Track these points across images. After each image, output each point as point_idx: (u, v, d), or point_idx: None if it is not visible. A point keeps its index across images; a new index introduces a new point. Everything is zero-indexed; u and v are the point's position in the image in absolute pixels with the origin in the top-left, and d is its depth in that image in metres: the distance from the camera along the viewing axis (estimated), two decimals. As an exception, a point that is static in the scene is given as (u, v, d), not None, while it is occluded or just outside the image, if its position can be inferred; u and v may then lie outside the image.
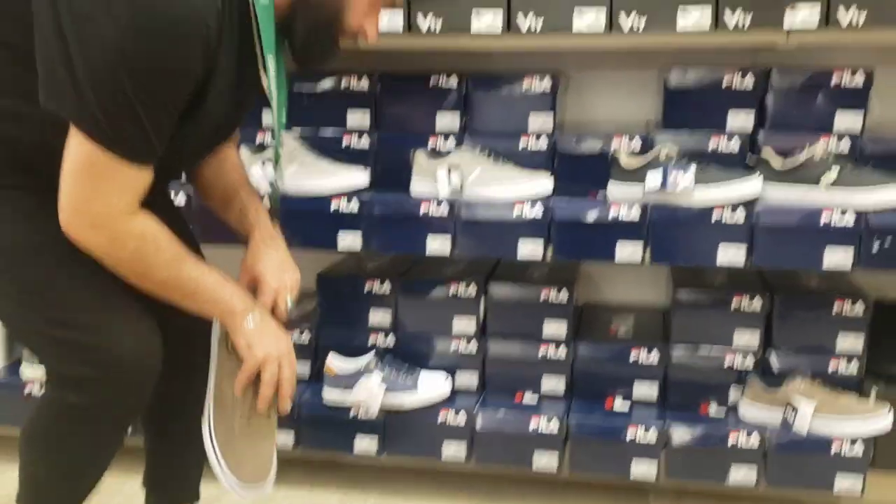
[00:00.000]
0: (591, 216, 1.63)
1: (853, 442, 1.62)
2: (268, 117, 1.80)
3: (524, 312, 1.78)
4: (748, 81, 1.66)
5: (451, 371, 1.81)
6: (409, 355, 1.81)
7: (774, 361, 1.71)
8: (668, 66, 1.75)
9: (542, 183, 1.69)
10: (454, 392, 1.80)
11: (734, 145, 1.66)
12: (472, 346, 1.79)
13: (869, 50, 1.75)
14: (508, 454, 1.75)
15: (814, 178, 1.58)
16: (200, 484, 1.49)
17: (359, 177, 1.73)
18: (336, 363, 1.76)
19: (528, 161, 1.73)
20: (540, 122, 1.72)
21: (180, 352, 1.28)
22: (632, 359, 1.75)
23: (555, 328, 1.77)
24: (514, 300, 1.79)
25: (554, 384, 1.80)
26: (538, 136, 1.72)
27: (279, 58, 1.21)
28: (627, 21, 1.55)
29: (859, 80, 1.63)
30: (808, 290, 1.77)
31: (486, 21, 1.59)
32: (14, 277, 1.15)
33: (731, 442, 1.66)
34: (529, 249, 1.67)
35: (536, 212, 1.65)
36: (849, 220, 1.55)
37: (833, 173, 1.57)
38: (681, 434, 1.67)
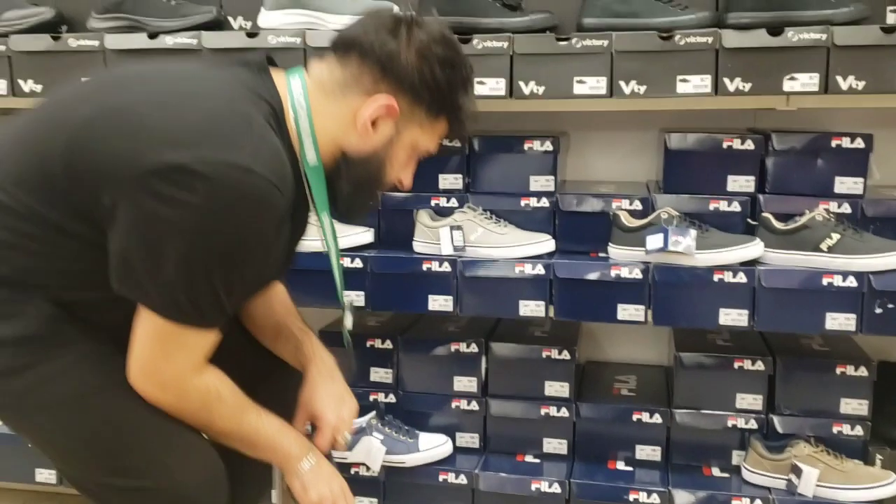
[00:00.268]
0: (593, 276, 1.64)
1: (859, 508, 1.60)
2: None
3: (526, 371, 1.78)
4: (748, 145, 1.68)
5: (452, 430, 1.81)
6: (409, 413, 1.80)
7: (777, 424, 1.69)
8: (668, 127, 1.78)
9: (544, 243, 1.70)
10: (455, 451, 1.79)
11: (735, 207, 1.67)
12: (474, 405, 1.79)
13: (868, 114, 1.78)
14: (510, 516, 1.73)
15: (814, 242, 1.58)
16: None
17: (363, 235, 1.75)
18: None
19: (530, 221, 1.74)
20: (541, 182, 1.74)
21: (242, 488, 1.28)
22: (634, 420, 1.74)
23: (557, 388, 1.77)
24: (515, 359, 1.78)
25: (556, 445, 1.79)
26: (539, 197, 1.74)
27: (330, 216, 1.26)
28: (628, 87, 1.58)
29: (859, 143, 1.65)
30: (811, 352, 1.77)
31: (490, 86, 1.62)
32: (76, 432, 1.13)
33: (734, 506, 1.65)
34: (531, 309, 1.68)
35: (538, 271, 1.66)
36: (851, 284, 1.56)
37: (834, 238, 1.58)
38: (684, 497, 1.65)
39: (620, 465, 1.75)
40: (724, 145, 1.68)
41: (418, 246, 1.75)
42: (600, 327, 2.04)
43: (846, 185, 1.66)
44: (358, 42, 1.16)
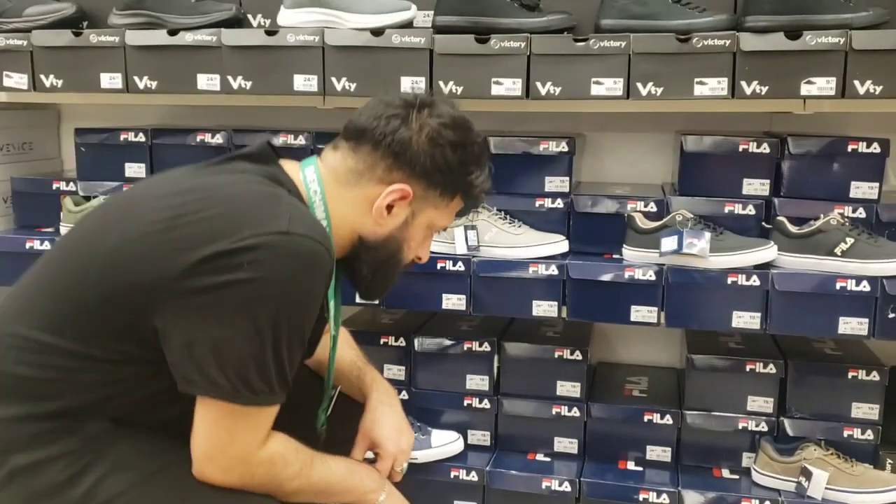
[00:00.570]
0: (606, 277, 1.65)
1: (868, 512, 1.61)
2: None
3: (538, 371, 1.79)
4: (764, 148, 1.68)
5: (464, 427, 1.82)
6: (422, 410, 1.82)
7: (788, 427, 1.70)
8: (684, 129, 1.78)
9: (558, 244, 1.71)
10: (466, 449, 1.81)
11: (749, 211, 1.67)
12: (486, 404, 1.80)
13: (885, 118, 1.77)
14: (520, 514, 1.75)
15: (829, 246, 1.59)
16: None
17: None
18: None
19: (544, 221, 1.75)
20: (556, 183, 1.75)
21: None
22: (645, 420, 1.75)
23: (568, 388, 1.78)
24: (527, 358, 1.80)
25: (567, 444, 1.80)
26: (554, 198, 1.74)
27: (337, 300, 1.28)
28: (644, 89, 1.59)
29: (875, 148, 1.65)
30: (823, 356, 1.77)
31: (506, 87, 1.62)
32: None
33: (744, 507, 1.65)
34: (544, 309, 1.69)
35: (552, 272, 1.67)
36: (864, 288, 1.56)
37: (848, 242, 1.58)
38: (693, 498, 1.66)
39: (631, 465, 1.77)
40: (740, 148, 1.68)
41: (433, 245, 1.75)
42: (613, 328, 2.04)
43: (861, 189, 1.66)
44: (369, 131, 1.17)
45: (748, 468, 1.72)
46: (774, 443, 1.69)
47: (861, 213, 1.65)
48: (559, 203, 1.75)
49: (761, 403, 1.71)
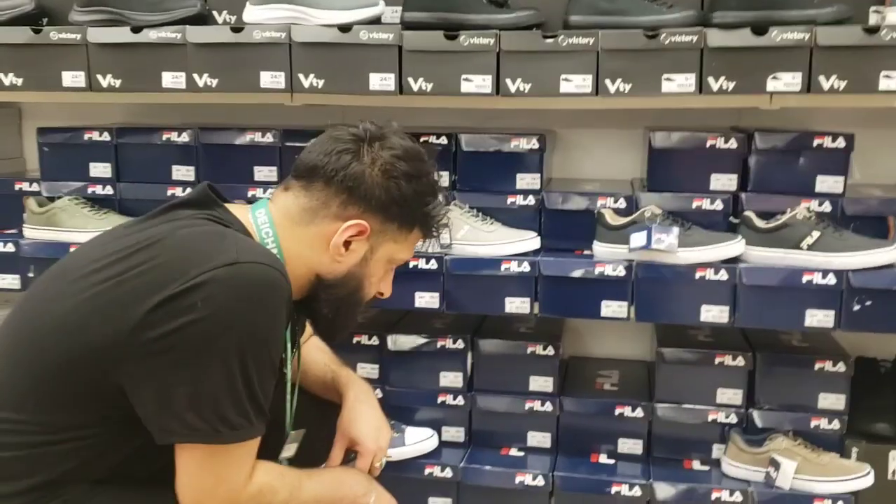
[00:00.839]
0: (577, 274, 1.66)
1: (835, 500, 1.63)
2: (260, 174, 1.84)
3: (511, 367, 1.80)
4: (731, 143, 1.69)
5: (438, 424, 1.82)
6: (396, 408, 1.81)
7: (757, 418, 1.73)
8: (654, 125, 1.79)
9: (530, 241, 1.72)
10: (441, 445, 1.81)
11: (717, 206, 1.69)
12: (459, 400, 1.81)
13: (850, 114, 1.80)
14: (494, 509, 1.76)
15: (795, 240, 1.61)
16: None
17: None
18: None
19: (516, 219, 1.75)
20: (527, 180, 1.75)
21: None
22: (617, 414, 1.77)
23: (541, 382, 1.79)
24: (500, 354, 1.80)
25: (540, 438, 1.81)
26: (525, 195, 1.75)
27: (296, 344, 1.27)
28: (613, 85, 1.59)
29: (840, 143, 1.67)
30: (791, 348, 1.80)
31: (476, 84, 1.62)
32: None
33: (714, 497, 1.67)
34: (517, 305, 1.70)
35: (524, 269, 1.67)
36: (830, 281, 1.58)
37: (814, 236, 1.60)
38: (665, 490, 1.68)
39: (603, 459, 1.78)
40: (708, 144, 1.69)
41: (404, 242, 1.75)
42: (584, 323, 2.06)
43: (827, 183, 1.69)
44: (321, 168, 1.15)
45: (718, 459, 1.75)
46: (744, 434, 1.72)
47: (827, 206, 1.67)
48: (531, 200, 1.75)
49: (730, 395, 1.74)
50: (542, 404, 1.78)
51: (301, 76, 1.66)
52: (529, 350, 1.78)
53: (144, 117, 2.07)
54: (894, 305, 1.58)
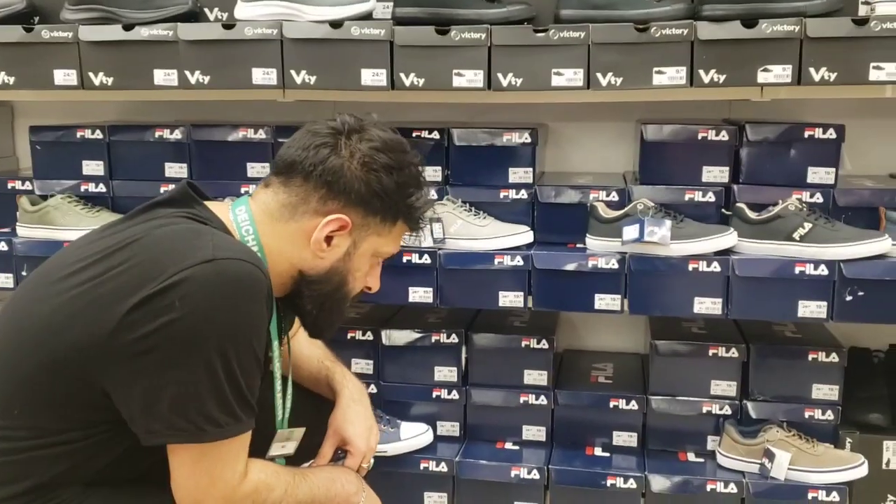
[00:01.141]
0: (570, 267, 1.66)
1: (829, 490, 1.64)
2: (253, 170, 1.84)
3: (505, 361, 1.80)
4: (723, 136, 1.69)
5: (433, 419, 1.83)
6: (391, 403, 1.82)
7: (751, 410, 1.73)
8: (645, 118, 1.79)
9: (523, 234, 1.72)
10: (436, 440, 1.81)
11: (709, 198, 1.70)
12: (454, 395, 1.81)
13: (841, 104, 1.80)
14: (490, 502, 1.76)
15: (787, 232, 1.61)
16: None
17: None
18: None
19: (509, 212, 1.76)
20: (520, 174, 1.76)
21: None
22: (611, 406, 1.77)
23: (535, 376, 1.79)
24: (495, 348, 1.81)
25: (535, 432, 1.81)
26: (518, 189, 1.75)
27: (283, 338, 1.26)
28: (604, 79, 1.59)
29: (831, 134, 1.67)
30: (784, 339, 1.80)
31: (468, 78, 1.62)
32: None
33: (709, 489, 1.68)
34: (510, 299, 1.70)
35: (517, 262, 1.68)
36: (822, 272, 1.59)
37: (806, 227, 1.60)
38: (660, 482, 1.69)
39: (598, 452, 1.79)
40: (699, 136, 1.69)
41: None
42: (578, 317, 2.06)
43: (818, 175, 1.69)
44: (299, 164, 1.14)
45: (713, 451, 1.75)
46: (738, 425, 1.72)
47: (818, 198, 1.67)
48: (523, 194, 1.75)
49: (724, 387, 1.74)
50: (537, 398, 1.79)
51: (293, 72, 1.66)
52: (524, 344, 1.79)
53: (137, 115, 2.07)
54: (886, 296, 1.58)
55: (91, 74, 1.72)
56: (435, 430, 1.82)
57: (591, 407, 1.78)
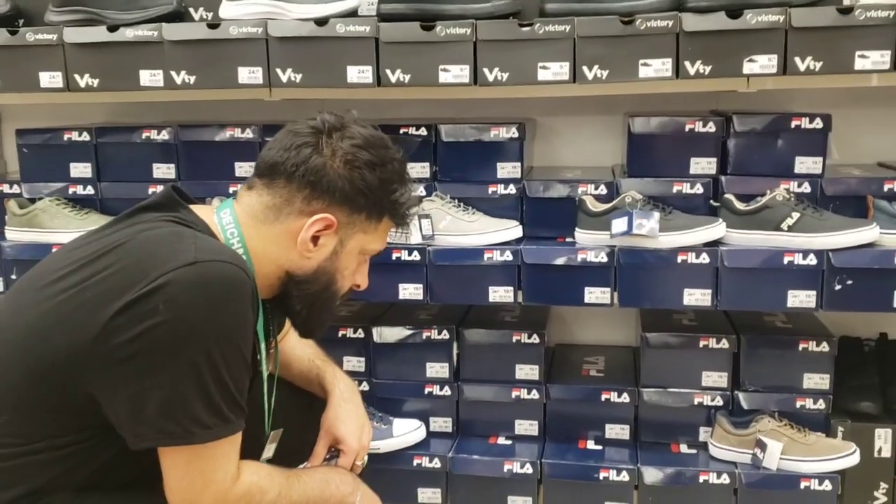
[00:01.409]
0: (560, 261, 1.67)
1: (822, 479, 1.64)
2: (241, 170, 1.83)
3: (497, 356, 1.80)
4: (710, 127, 1.70)
5: (426, 415, 1.83)
6: (383, 400, 1.82)
7: (742, 400, 1.74)
8: (633, 111, 1.79)
9: (512, 230, 1.72)
10: (429, 436, 1.81)
11: (698, 189, 1.70)
12: (446, 391, 1.81)
13: (827, 94, 1.80)
14: (483, 498, 1.76)
15: (775, 222, 1.62)
16: None
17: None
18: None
19: (498, 208, 1.76)
20: (508, 169, 1.76)
21: None
22: (603, 400, 1.77)
23: (527, 371, 1.80)
24: (486, 344, 1.81)
25: (527, 426, 1.82)
26: (506, 184, 1.75)
27: (271, 338, 1.26)
28: (591, 72, 1.59)
29: (818, 123, 1.67)
30: (774, 329, 1.81)
31: (454, 74, 1.62)
32: None
33: (701, 480, 1.68)
34: (500, 295, 1.70)
35: (506, 258, 1.68)
36: (811, 261, 1.59)
37: (794, 217, 1.61)
38: (652, 474, 1.69)
39: (590, 445, 1.79)
40: (687, 128, 1.70)
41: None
42: (570, 311, 2.06)
43: (806, 164, 1.69)
44: (281, 164, 1.13)
45: (705, 442, 1.76)
46: (730, 416, 1.72)
47: (806, 187, 1.68)
48: (512, 189, 1.75)
49: (716, 378, 1.75)
50: (529, 392, 1.79)
51: (279, 71, 1.66)
52: (515, 339, 1.79)
53: (124, 117, 2.07)
54: (875, 284, 1.59)
55: (77, 76, 1.72)
56: (428, 426, 1.82)
57: (583, 400, 1.79)
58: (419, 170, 1.77)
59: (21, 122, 1.99)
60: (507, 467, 1.73)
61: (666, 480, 1.69)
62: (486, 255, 1.68)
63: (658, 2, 1.59)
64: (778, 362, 1.73)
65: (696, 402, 1.74)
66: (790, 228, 1.61)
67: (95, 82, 1.72)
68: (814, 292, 1.61)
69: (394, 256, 1.70)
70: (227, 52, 1.66)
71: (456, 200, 1.75)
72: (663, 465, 1.70)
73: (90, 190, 1.87)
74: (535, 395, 1.79)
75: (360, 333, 1.83)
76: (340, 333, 1.83)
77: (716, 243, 1.64)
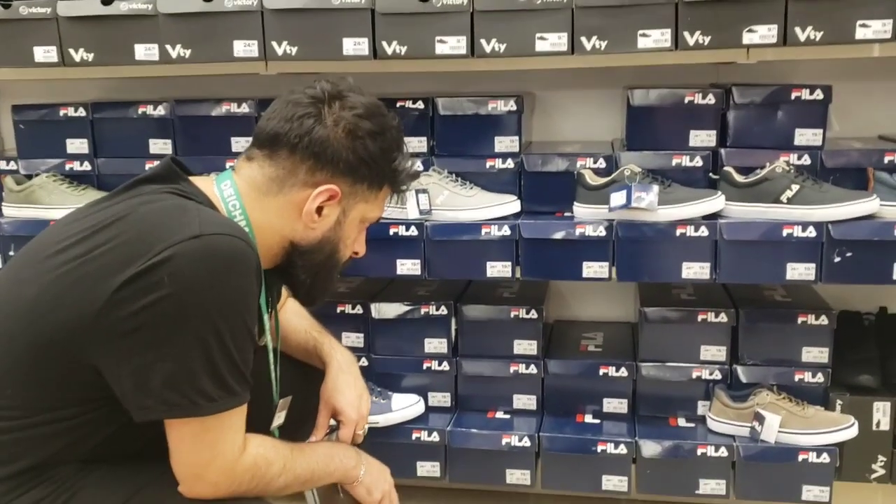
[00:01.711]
0: (558, 235, 1.66)
1: (820, 452, 1.65)
2: (237, 145, 1.82)
3: (495, 331, 1.80)
4: (710, 99, 1.68)
5: (424, 390, 1.83)
6: (382, 376, 1.82)
7: (741, 374, 1.73)
8: (632, 84, 1.78)
9: (510, 204, 1.71)
10: (428, 411, 1.82)
11: (697, 162, 1.69)
12: (445, 366, 1.81)
13: (829, 65, 1.79)
14: (482, 471, 1.77)
15: (775, 194, 1.60)
16: None
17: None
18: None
19: (496, 182, 1.75)
20: (506, 143, 1.74)
21: None
22: (601, 374, 1.77)
23: (525, 346, 1.80)
24: (484, 320, 1.81)
25: (525, 401, 1.82)
26: (504, 158, 1.74)
27: (273, 309, 1.26)
28: (589, 43, 1.58)
29: (818, 95, 1.66)
30: (773, 303, 1.80)
31: (451, 45, 1.61)
32: None
33: (699, 453, 1.68)
34: (498, 270, 1.70)
35: (504, 232, 1.67)
36: (810, 234, 1.58)
37: (793, 189, 1.60)
38: (650, 447, 1.70)
39: (588, 419, 1.79)
40: (686, 100, 1.68)
41: (385, 211, 1.74)
42: (568, 287, 2.06)
43: (806, 136, 1.68)
44: (283, 136, 1.12)
45: (703, 416, 1.76)
46: (728, 390, 1.72)
47: (806, 159, 1.66)
48: (510, 163, 1.74)
49: (714, 352, 1.74)
50: (527, 367, 1.79)
51: (274, 44, 1.64)
52: (513, 314, 1.79)
53: (120, 93, 2.05)
54: (874, 256, 1.58)
55: (71, 51, 1.71)
56: (426, 401, 1.82)
57: (581, 375, 1.79)
58: (416, 144, 1.76)
59: (17, 99, 1.98)
60: (505, 441, 1.73)
61: (664, 454, 1.69)
62: (484, 230, 1.68)
63: (657, -29, 1.58)
64: (777, 336, 1.73)
65: (694, 377, 1.74)
66: (790, 201, 1.60)
67: (90, 56, 1.71)
68: (813, 265, 1.60)
69: (391, 232, 1.69)
70: (222, 25, 1.65)
71: (453, 175, 1.74)
72: (661, 438, 1.70)
73: (87, 166, 1.87)
74: (533, 369, 1.79)
75: (359, 309, 1.83)
76: (339, 309, 1.83)
77: (715, 216, 1.63)
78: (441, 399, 1.84)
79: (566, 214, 1.72)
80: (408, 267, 1.72)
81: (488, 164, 1.74)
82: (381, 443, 1.73)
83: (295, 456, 1.18)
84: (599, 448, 1.70)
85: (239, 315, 1.03)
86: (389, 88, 1.90)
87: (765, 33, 1.54)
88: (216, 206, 1.13)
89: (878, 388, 1.74)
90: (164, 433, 1.06)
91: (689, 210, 1.61)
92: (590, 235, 1.64)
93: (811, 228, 1.58)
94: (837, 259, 1.59)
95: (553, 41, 1.58)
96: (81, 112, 1.86)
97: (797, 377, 1.71)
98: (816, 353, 1.72)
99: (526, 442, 1.72)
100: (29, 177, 1.85)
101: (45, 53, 1.72)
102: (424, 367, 1.81)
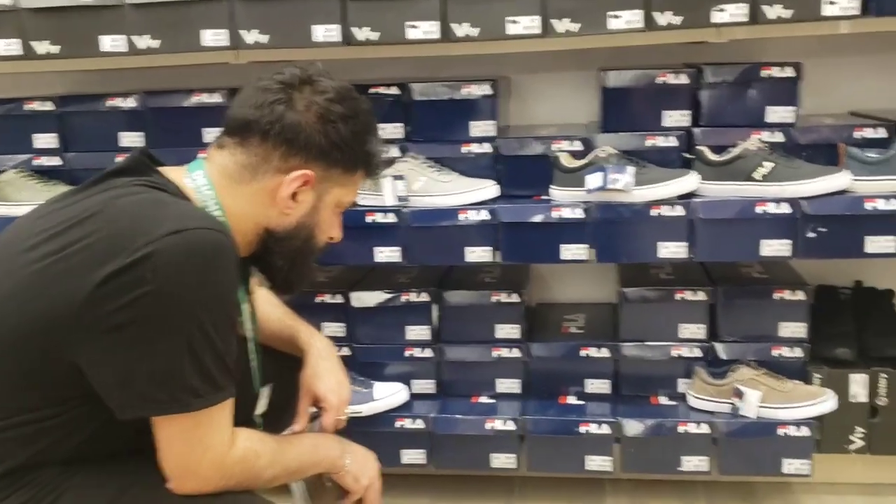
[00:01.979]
0: (537, 219, 1.66)
1: (799, 426, 1.67)
2: (209, 136, 1.79)
3: (477, 316, 1.80)
4: (682, 79, 1.69)
5: (407, 377, 1.83)
6: (364, 365, 1.82)
7: (720, 351, 1.75)
8: (606, 66, 1.78)
9: (487, 189, 1.71)
10: (412, 398, 1.82)
11: (671, 142, 1.69)
12: (428, 353, 1.81)
13: (799, 42, 1.80)
14: (467, 456, 1.78)
15: (748, 172, 1.62)
16: None
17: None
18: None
19: (473, 167, 1.75)
20: (482, 128, 1.74)
21: None
22: (583, 355, 1.78)
23: (507, 330, 1.80)
24: (466, 305, 1.81)
25: (509, 384, 1.83)
26: (481, 142, 1.73)
27: (250, 300, 1.24)
28: (561, 25, 1.58)
29: (789, 72, 1.67)
30: (751, 279, 1.82)
31: (423, 30, 1.60)
32: None
33: (681, 431, 1.70)
34: (478, 255, 1.70)
35: (483, 217, 1.67)
36: (784, 210, 1.60)
37: (766, 167, 1.61)
38: (633, 426, 1.71)
39: (571, 400, 1.80)
40: (659, 80, 1.69)
41: (361, 198, 1.73)
42: (550, 270, 2.07)
43: (778, 114, 1.69)
44: (254, 123, 1.11)
45: (684, 394, 1.77)
46: (708, 367, 1.74)
47: (779, 137, 1.68)
48: (486, 147, 1.74)
49: (693, 330, 1.76)
50: (510, 351, 1.79)
51: (244, 33, 1.62)
52: (494, 299, 1.79)
53: (88, 86, 2.02)
54: (848, 231, 1.60)
55: (35, 43, 1.67)
56: (410, 388, 1.82)
57: (564, 357, 1.80)
58: (392, 130, 1.76)
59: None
60: (489, 425, 1.74)
61: (646, 432, 1.71)
62: (463, 216, 1.68)
63: (627, -48, 1.58)
64: (755, 312, 1.75)
65: (674, 355, 1.76)
66: (763, 178, 1.61)
67: (56, 49, 1.68)
68: (788, 241, 1.62)
69: (368, 219, 1.69)
70: (190, 14, 1.63)
71: (430, 161, 1.73)
72: (643, 417, 1.72)
73: (57, 160, 1.84)
74: (515, 353, 1.79)
75: (339, 299, 1.82)
76: (319, 299, 1.82)
77: (690, 195, 1.64)
78: (424, 386, 1.84)
79: (544, 198, 1.72)
80: (386, 254, 1.72)
81: (465, 149, 1.74)
82: (364, 432, 1.71)
83: (283, 447, 1.17)
84: (583, 429, 1.71)
85: (223, 309, 1.03)
86: (363, 75, 1.89)
87: (734, 12, 1.55)
88: (189, 196, 1.11)
89: (855, 361, 1.76)
90: (148, 429, 1.04)
91: (664, 190, 1.62)
92: (567, 218, 1.65)
93: (785, 205, 1.59)
94: (812, 234, 1.61)
95: (525, 24, 1.58)
96: (49, 106, 1.83)
97: (775, 352, 1.74)
98: (794, 328, 1.74)
99: (510, 425, 1.73)
100: (-3, 173, 1.82)
101: (6, 46, 1.69)
102: (407, 354, 1.81)
